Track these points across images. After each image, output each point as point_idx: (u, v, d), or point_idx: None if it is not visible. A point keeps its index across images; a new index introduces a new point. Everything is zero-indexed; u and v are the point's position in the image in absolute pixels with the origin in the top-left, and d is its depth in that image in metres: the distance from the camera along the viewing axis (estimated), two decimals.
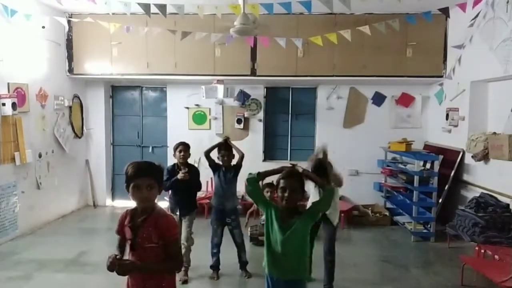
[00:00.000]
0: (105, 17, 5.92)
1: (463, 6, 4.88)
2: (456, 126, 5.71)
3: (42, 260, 4.60)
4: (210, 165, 4.25)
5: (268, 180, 2.75)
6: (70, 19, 6.08)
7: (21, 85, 5.37)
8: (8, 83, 5.14)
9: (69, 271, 4.32)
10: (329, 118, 6.86)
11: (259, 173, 2.52)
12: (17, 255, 4.75)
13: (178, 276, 3.90)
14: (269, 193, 4.87)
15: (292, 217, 2.41)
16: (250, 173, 2.55)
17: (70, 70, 6.48)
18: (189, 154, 4.16)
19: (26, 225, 5.50)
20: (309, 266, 3.96)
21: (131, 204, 2.09)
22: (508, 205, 4.44)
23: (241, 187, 3.90)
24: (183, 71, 6.32)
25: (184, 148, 4.10)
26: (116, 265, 1.88)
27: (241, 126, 6.90)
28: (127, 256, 2.10)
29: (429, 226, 5.54)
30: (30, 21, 5.26)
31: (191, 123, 7.06)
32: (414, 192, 5.42)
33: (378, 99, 6.80)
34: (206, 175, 5.05)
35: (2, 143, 5.03)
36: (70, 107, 6.61)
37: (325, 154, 3.60)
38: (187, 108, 7.03)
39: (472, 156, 5.13)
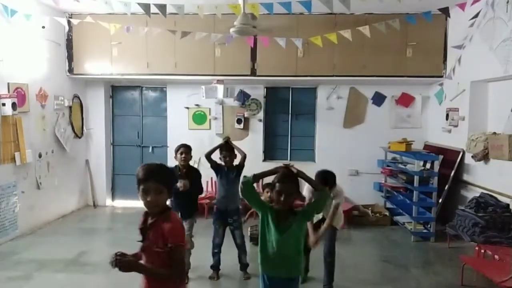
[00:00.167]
0: (105, 17, 5.92)
1: (462, 6, 4.88)
2: (456, 126, 5.71)
3: (42, 260, 4.60)
4: (212, 167, 4.23)
5: (268, 180, 2.76)
6: (70, 19, 6.07)
7: (21, 85, 5.37)
8: (8, 83, 5.15)
9: (69, 271, 4.32)
10: (329, 118, 6.86)
11: (254, 176, 2.54)
12: (17, 255, 4.75)
13: None
14: (269, 193, 4.86)
15: (288, 218, 2.45)
16: (245, 176, 2.56)
17: (70, 70, 6.49)
18: (191, 157, 4.13)
19: (26, 225, 5.50)
20: (305, 266, 3.98)
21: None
22: (508, 205, 4.44)
23: None
24: (183, 71, 6.32)
25: (185, 150, 4.06)
26: (117, 261, 1.86)
27: (241, 126, 6.90)
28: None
29: (429, 226, 5.54)
30: (30, 21, 5.26)
31: (191, 123, 7.06)
32: (414, 192, 5.42)
33: (378, 99, 6.80)
34: (206, 175, 5.05)
35: (2, 143, 5.03)
36: (70, 107, 6.61)
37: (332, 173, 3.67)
38: (187, 108, 7.03)
39: (472, 156, 5.13)
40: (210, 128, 7.03)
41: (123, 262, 1.87)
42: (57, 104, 6.23)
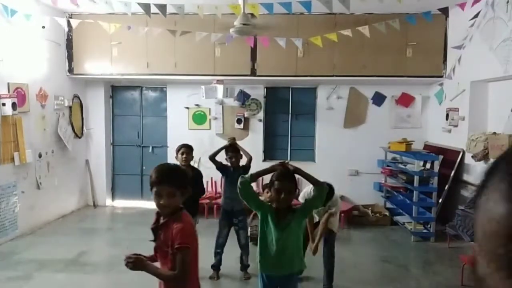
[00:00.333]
0: (105, 17, 5.92)
1: (462, 6, 4.88)
2: (456, 126, 5.71)
3: (42, 260, 4.60)
4: (217, 168, 4.21)
5: (268, 180, 2.76)
6: (70, 19, 6.08)
7: (21, 85, 5.37)
8: (8, 83, 5.15)
9: (69, 271, 4.32)
10: (329, 118, 6.86)
11: (251, 175, 2.56)
12: (17, 255, 4.75)
13: None
14: (269, 194, 4.86)
15: (286, 216, 2.47)
16: (242, 176, 2.57)
17: (70, 70, 6.49)
18: (192, 157, 4.11)
19: (26, 225, 5.50)
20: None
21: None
22: None
23: None
24: (183, 71, 6.32)
25: (186, 150, 4.05)
26: (126, 259, 1.87)
27: (241, 126, 6.90)
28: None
29: (429, 226, 5.54)
30: (30, 21, 5.27)
31: (191, 123, 7.06)
32: (414, 192, 5.42)
33: (378, 99, 6.80)
34: (206, 175, 5.03)
35: (2, 143, 5.04)
36: (70, 107, 6.61)
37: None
38: (187, 108, 7.03)
39: (472, 156, 5.13)
40: (210, 128, 7.03)
41: (132, 259, 1.88)
42: (57, 104, 6.23)
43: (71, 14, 6.32)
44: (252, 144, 6.83)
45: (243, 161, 4.23)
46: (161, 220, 2.03)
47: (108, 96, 7.32)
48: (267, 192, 4.84)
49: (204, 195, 4.37)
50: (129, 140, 7.39)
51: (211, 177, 6.51)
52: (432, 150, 6.06)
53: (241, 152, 4.21)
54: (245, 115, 6.91)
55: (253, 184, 2.61)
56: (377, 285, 4.15)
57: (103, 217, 6.68)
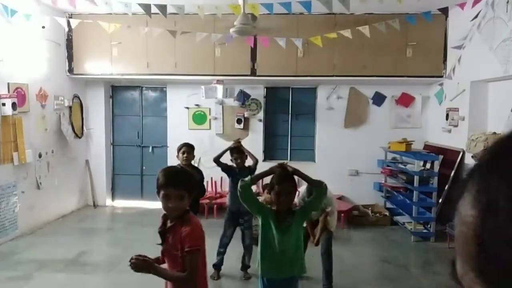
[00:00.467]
0: (105, 17, 5.92)
1: (462, 6, 4.88)
2: (456, 126, 5.71)
3: (42, 260, 4.60)
4: (222, 169, 4.22)
5: (268, 180, 2.76)
6: (70, 19, 6.08)
7: (21, 85, 5.37)
8: (8, 83, 5.15)
9: (69, 271, 4.32)
10: (329, 118, 6.86)
11: (251, 178, 2.56)
12: (17, 255, 4.75)
13: None
14: (269, 194, 4.87)
15: (287, 217, 2.47)
16: (242, 179, 2.56)
17: (70, 70, 6.49)
18: (193, 156, 4.11)
19: (26, 225, 5.50)
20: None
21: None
22: None
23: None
24: (183, 71, 6.32)
25: (188, 149, 4.04)
26: (131, 260, 1.86)
27: (241, 126, 6.90)
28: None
29: (429, 226, 5.54)
30: (30, 21, 5.26)
31: (191, 123, 7.06)
32: (414, 192, 5.42)
33: (378, 99, 6.80)
34: (206, 175, 5.03)
35: (2, 143, 5.03)
36: (70, 107, 6.61)
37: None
38: (187, 108, 7.03)
39: (472, 156, 5.13)
40: (210, 128, 7.03)
41: (135, 263, 1.87)
42: (57, 104, 6.23)
43: (71, 14, 6.32)
44: (252, 144, 6.81)
45: (248, 162, 4.22)
46: (168, 223, 2.01)
47: (108, 96, 7.32)
48: (267, 193, 4.87)
49: (204, 195, 4.35)
50: (129, 140, 7.39)
51: (211, 177, 6.51)
52: (432, 150, 6.06)
53: (246, 154, 4.21)
54: (245, 115, 6.91)
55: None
56: (377, 285, 4.15)
57: (103, 217, 6.67)
